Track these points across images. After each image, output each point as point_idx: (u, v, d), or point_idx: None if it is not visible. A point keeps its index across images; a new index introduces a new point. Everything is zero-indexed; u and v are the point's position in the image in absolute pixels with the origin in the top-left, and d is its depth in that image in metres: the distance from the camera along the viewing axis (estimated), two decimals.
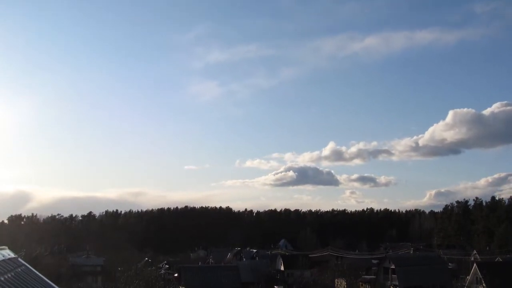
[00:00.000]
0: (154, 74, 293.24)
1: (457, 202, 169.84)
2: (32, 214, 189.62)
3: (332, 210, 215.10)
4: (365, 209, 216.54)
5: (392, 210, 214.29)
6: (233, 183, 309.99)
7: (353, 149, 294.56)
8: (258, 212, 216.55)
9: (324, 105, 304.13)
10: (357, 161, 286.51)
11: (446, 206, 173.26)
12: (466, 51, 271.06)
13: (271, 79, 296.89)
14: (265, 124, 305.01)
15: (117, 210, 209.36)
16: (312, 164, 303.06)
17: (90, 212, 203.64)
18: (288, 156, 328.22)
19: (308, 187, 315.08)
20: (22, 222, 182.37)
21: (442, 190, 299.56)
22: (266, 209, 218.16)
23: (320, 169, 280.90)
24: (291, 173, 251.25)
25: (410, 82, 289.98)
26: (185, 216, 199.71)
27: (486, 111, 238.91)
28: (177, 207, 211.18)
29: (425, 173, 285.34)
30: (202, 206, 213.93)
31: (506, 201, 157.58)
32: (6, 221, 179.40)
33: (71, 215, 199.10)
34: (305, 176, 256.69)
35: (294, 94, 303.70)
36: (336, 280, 75.78)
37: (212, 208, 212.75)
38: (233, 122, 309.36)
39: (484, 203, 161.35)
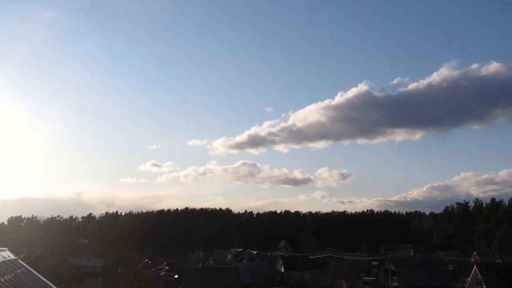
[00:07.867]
0: None
1: (457, 203, 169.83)
2: (32, 215, 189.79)
3: (332, 211, 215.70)
4: (365, 210, 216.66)
5: (392, 212, 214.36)
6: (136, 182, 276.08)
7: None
8: (258, 214, 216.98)
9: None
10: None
11: (446, 207, 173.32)
12: None
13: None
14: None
15: (117, 212, 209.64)
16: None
17: (90, 214, 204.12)
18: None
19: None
20: (22, 224, 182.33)
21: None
22: (266, 211, 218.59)
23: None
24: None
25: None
26: (185, 217, 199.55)
27: None
28: (177, 209, 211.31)
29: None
30: (202, 208, 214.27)
31: (506, 202, 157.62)
32: (6, 223, 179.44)
33: (71, 216, 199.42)
34: None
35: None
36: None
37: (212, 209, 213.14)
38: None
39: (484, 204, 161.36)
